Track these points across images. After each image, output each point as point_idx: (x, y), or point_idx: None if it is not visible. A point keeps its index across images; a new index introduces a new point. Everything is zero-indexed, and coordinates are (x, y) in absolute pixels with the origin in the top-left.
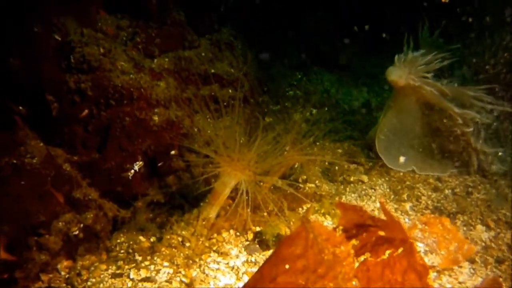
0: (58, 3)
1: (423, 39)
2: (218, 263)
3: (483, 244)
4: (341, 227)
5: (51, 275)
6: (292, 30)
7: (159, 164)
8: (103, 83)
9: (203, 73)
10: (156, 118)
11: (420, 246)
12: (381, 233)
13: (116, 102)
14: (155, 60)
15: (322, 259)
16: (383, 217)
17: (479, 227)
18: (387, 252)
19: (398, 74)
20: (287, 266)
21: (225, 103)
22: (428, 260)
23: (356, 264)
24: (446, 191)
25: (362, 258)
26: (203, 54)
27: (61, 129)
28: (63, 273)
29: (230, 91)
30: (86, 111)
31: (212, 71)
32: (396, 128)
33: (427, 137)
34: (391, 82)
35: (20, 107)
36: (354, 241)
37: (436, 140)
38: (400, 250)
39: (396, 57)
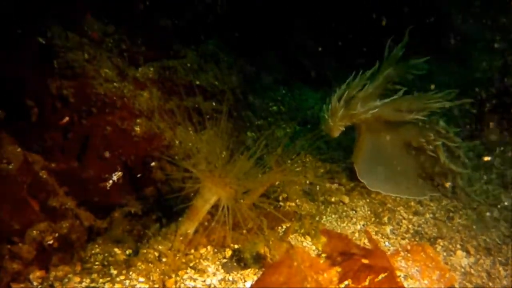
0: (43, 4)
1: (387, 58)
2: (194, 280)
3: (463, 270)
4: (325, 254)
5: (22, 285)
6: (278, 45)
7: (139, 176)
8: (86, 90)
9: (187, 84)
10: (138, 128)
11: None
12: (365, 261)
13: (98, 110)
14: (140, 69)
15: (305, 287)
16: (366, 243)
17: (459, 252)
18: (368, 278)
19: (328, 127)
20: None
21: (208, 116)
22: (408, 284)
23: None
24: (427, 215)
25: (343, 284)
26: (188, 64)
27: (40, 135)
28: (35, 283)
29: (213, 103)
30: (67, 118)
31: (197, 82)
32: (372, 151)
33: (403, 158)
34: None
35: None
36: (337, 268)
37: (412, 161)
38: (380, 276)
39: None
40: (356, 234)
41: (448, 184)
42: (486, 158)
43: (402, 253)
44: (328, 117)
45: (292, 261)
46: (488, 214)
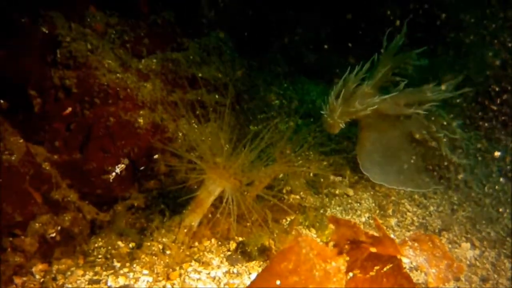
0: None
1: (385, 51)
2: (199, 272)
3: (468, 262)
4: (332, 242)
5: (25, 278)
6: (280, 39)
7: (142, 168)
8: (89, 81)
9: (190, 77)
10: (141, 120)
11: (406, 263)
12: (373, 249)
13: (101, 101)
14: (143, 61)
15: (314, 275)
16: (373, 232)
17: (464, 245)
18: (375, 268)
19: (327, 124)
20: (278, 282)
21: (211, 108)
22: (413, 276)
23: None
24: (431, 208)
25: (351, 274)
26: (191, 57)
27: (42, 126)
28: (37, 276)
29: (216, 96)
30: (70, 108)
31: (200, 75)
32: (374, 144)
33: (405, 151)
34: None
35: (1, 101)
36: (345, 257)
37: (415, 154)
38: (387, 266)
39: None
40: (361, 227)
41: (451, 177)
42: (496, 154)
43: (409, 243)
44: (327, 115)
45: (301, 249)
46: (492, 207)
